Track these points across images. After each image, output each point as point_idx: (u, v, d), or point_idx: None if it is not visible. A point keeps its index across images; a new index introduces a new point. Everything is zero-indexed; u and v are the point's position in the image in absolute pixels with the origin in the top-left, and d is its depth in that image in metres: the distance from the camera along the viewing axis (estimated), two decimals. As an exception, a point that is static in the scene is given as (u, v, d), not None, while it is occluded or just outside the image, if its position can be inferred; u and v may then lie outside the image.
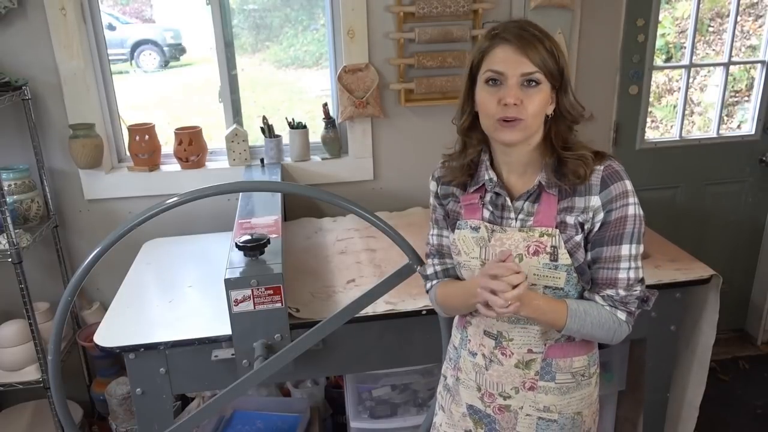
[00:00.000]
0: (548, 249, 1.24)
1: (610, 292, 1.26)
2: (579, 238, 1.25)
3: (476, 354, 1.37)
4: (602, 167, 1.24)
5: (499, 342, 1.33)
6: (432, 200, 1.42)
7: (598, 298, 1.27)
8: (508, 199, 1.28)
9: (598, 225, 1.25)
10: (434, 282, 1.43)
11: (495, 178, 1.29)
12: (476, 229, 1.30)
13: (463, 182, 1.34)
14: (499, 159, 1.30)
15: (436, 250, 1.42)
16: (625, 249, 1.24)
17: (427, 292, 1.47)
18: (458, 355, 1.43)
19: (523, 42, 1.17)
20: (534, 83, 1.19)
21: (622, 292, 1.26)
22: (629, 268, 1.25)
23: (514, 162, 1.29)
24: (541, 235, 1.24)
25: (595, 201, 1.23)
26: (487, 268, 1.19)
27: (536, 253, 1.24)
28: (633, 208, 1.24)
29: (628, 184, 1.25)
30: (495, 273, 1.16)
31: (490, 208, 1.31)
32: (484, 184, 1.31)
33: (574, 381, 1.34)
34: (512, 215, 1.28)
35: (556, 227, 1.24)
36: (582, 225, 1.25)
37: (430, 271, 1.44)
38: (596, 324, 1.26)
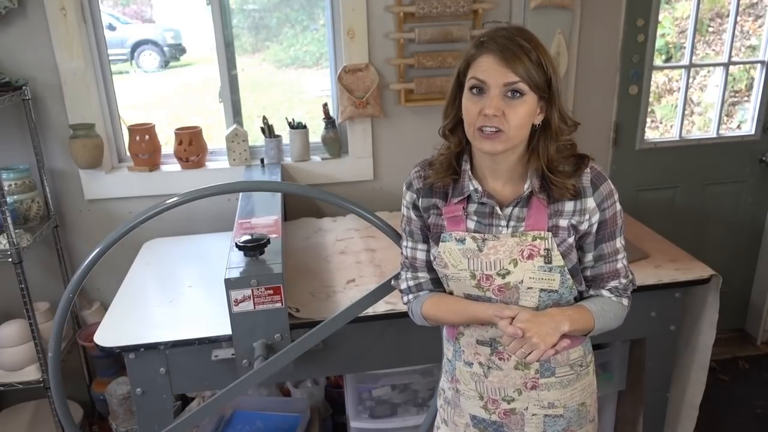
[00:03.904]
0: (542, 252, 1.25)
1: (614, 283, 1.33)
2: (571, 240, 1.27)
3: (472, 364, 1.37)
4: (588, 170, 1.27)
5: (495, 348, 1.33)
6: (406, 211, 1.39)
7: (605, 292, 1.33)
8: (497, 207, 1.28)
9: (595, 225, 1.28)
10: (410, 296, 1.42)
11: (480, 188, 1.28)
12: (461, 240, 1.29)
13: (446, 189, 1.32)
14: (483, 166, 1.29)
15: (409, 263, 1.41)
16: (618, 242, 1.32)
17: (405, 304, 1.45)
18: (453, 366, 1.42)
19: (508, 53, 1.16)
20: (518, 94, 1.17)
21: (623, 281, 1.34)
22: (623, 258, 1.34)
23: (500, 170, 1.28)
24: (534, 238, 1.25)
25: (590, 203, 1.26)
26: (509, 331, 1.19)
27: (530, 256, 1.25)
28: (618, 204, 1.31)
29: (611, 183, 1.30)
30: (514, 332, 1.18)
31: (475, 218, 1.30)
32: (469, 195, 1.30)
33: (573, 372, 1.35)
34: (502, 222, 1.28)
35: (549, 230, 1.25)
36: (575, 227, 1.27)
37: (403, 285, 1.43)
38: (611, 317, 1.32)
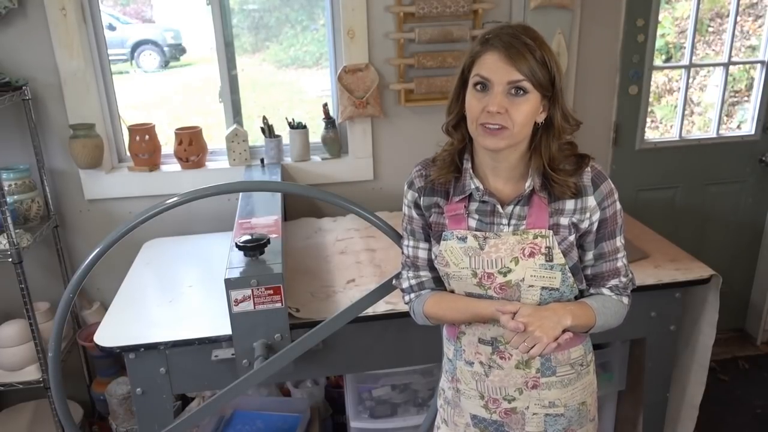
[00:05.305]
0: (543, 250, 1.25)
1: (615, 282, 1.34)
2: (572, 238, 1.28)
3: (473, 363, 1.37)
4: (589, 168, 1.28)
5: (496, 347, 1.33)
6: (408, 210, 1.39)
7: (605, 290, 1.34)
8: (498, 206, 1.28)
9: (596, 224, 1.29)
10: (411, 295, 1.42)
11: (481, 187, 1.29)
12: (463, 239, 1.29)
13: (447, 187, 1.33)
14: (484, 164, 1.30)
15: (411, 262, 1.41)
16: (618, 241, 1.33)
17: (406, 303, 1.45)
18: (454, 366, 1.42)
19: (512, 51, 1.16)
20: (521, 92, 1.18)
21: (624, 279, 1.34)
22: (623, 256, 1.34)
23: (501, 167, 1.28)
24: (535, 237, 1.26)
25: (591, 201, 1.27)
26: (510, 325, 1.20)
27: (531, 254, 1.25)
28: (618, 203, 1.32)
29: (611, 182, 1.31)
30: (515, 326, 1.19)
31: (477, 216, 1.30)
32: (470, 194, 1.30)
33: (574, 372, 1.36)
34: (504, 221, 1.29)
35: (550, 228, 1.26)
36: (576, 225, 1.28)
37: (405, 284, 1.43)
38: (612, 314, 1.33)
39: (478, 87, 1.20)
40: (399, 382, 2.23)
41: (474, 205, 1.31)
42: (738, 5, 2.76)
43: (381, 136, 2.62)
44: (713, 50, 3.30)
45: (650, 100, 2.85)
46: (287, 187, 2.26)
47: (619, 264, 1.33)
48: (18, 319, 2.36)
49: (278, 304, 1.65)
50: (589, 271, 1.34)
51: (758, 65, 2.93)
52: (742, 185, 3.02)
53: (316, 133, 2.64)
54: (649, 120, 2.88)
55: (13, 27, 2.26)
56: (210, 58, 2.83)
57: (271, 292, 1.63)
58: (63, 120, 2.38)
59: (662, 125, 3.41)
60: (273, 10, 3.12)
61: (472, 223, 1.30)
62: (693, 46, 2.79)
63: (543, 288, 1.27)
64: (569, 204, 1.27)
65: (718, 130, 2.96)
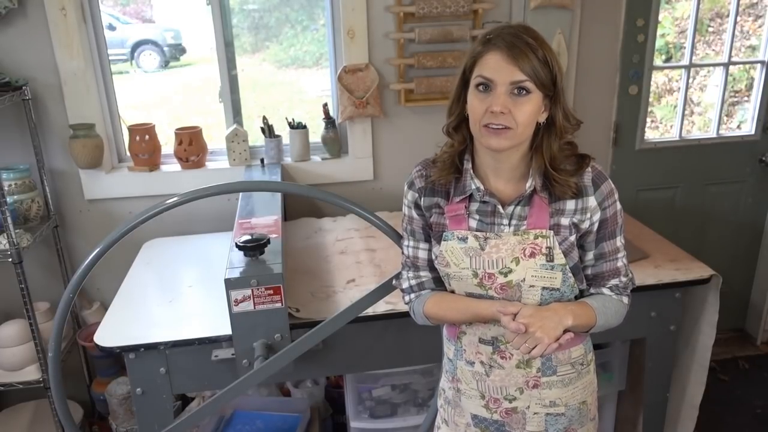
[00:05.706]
0: (543, 250, 1.25)
1: (615, 281, 1.34)
2: (573, 238, 1.28)
3: (474, 363, 1.37)
4: (589, 169, 1.29)
5: (497, 347, 1.33)
6: (408, 210, 1.39)
7: (605, 290, 1.34)
8: (499, 206, 1.28)
9: (596, 224, 1.29)
10: (412, 296, 1.42)
11: (482, 187, 1.29)
12: (464, 239, 1.29)
13: (447, 187, 1.33)
14: (485, 164, 1.30)
15: (411, 262, 1.41)
16: (618, 241, 1.33)
17: (406, 303, 1.45)
18: (454, 366, 1.42)
19: (515, 51, 1.16)
20: (524, 92, 1.18)
21: (624, 279, 1.35)
22: (623, 256, 1.35)
23: (502, 168, 1.28)
24: (536, 237, 1.26)
25: (592, 202, 1.27)
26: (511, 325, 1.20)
27: (532, 255, 1.26)
28: (618, 204, 1.32)
29: (611, 182, 1.31)
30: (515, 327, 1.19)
31: (477, 217, 1.30)
32: (470, 194, 1.30)
33: (574, 371, 1.36)
34: (504, 221, 1.29)
35: (550, 229, 1.26)
36: (577, 225, 1.28)
37: (405, 285, 1.43)
38: (612, 314, 1.33)
39: (481, 87, 1.20)
40: (399, 382, 2.23)
41: (474, 206, 1.31)
42: (738, 5, 2.76)
43: (381, 136, 2.62)
44: (713, 50, 3.30)
45: (650, 100, 2.85)
46: (287, 187, 2.25)
47: (620, 264, 1.33)
48: (18, 319, 2.36)
49: (278, 304, 1.65)
50: (589, 271, 1.34)
51: (758, 65, 2.92)
52: (742, 185, 3.02)
53: (316, 133, 2.64)
54: (649, 120, 2.88)
55: (13, 27, 2.26)
56: (210, 58, 2.83)
57: (271, 292, 1.63)
58: (63, 120, 2.38)
59: (662, 125, 3.41)
60: (273, 10, 3.12)
61: (473, 223, 1.30)
62: (693, 46, 2.79)
63: (544, 288, 1.27)
64: (570, 204, 1.27)
65: (718, 130, 2.96)
